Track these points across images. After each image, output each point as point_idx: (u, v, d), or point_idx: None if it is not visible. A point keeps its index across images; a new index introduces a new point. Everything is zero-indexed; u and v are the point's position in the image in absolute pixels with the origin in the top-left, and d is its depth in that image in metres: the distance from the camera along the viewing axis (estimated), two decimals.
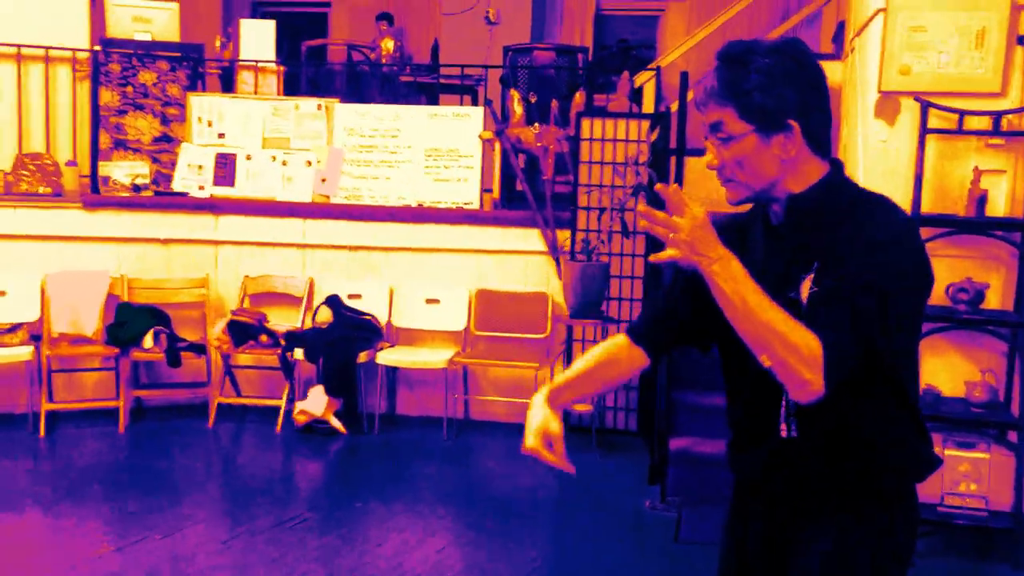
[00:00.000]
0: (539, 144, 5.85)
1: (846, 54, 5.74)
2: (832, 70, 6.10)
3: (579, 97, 5.95)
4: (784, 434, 1.78)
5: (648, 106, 6.96)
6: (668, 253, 1.64)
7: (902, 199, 4.25)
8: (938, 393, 4.15)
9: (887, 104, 4.29)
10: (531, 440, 1.85)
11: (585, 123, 5.83)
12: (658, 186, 1.67)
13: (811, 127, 1.72)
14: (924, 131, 4.15)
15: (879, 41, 4.28)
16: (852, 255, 1.65)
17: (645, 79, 7.15)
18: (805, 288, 1.69)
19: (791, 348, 1.59)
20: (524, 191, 5.97)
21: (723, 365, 1.94)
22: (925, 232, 4.18)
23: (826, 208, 1.73)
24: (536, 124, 5.94)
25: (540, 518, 4.70)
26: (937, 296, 4.23)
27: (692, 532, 4.33)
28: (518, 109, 5.94)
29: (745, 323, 1.62)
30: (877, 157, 4.33)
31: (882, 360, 1.68)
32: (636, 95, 6.95)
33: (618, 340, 1.97)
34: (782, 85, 1.68)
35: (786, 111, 1.69)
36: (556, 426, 1.86)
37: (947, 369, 4.31)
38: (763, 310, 1.60)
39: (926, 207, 4.20)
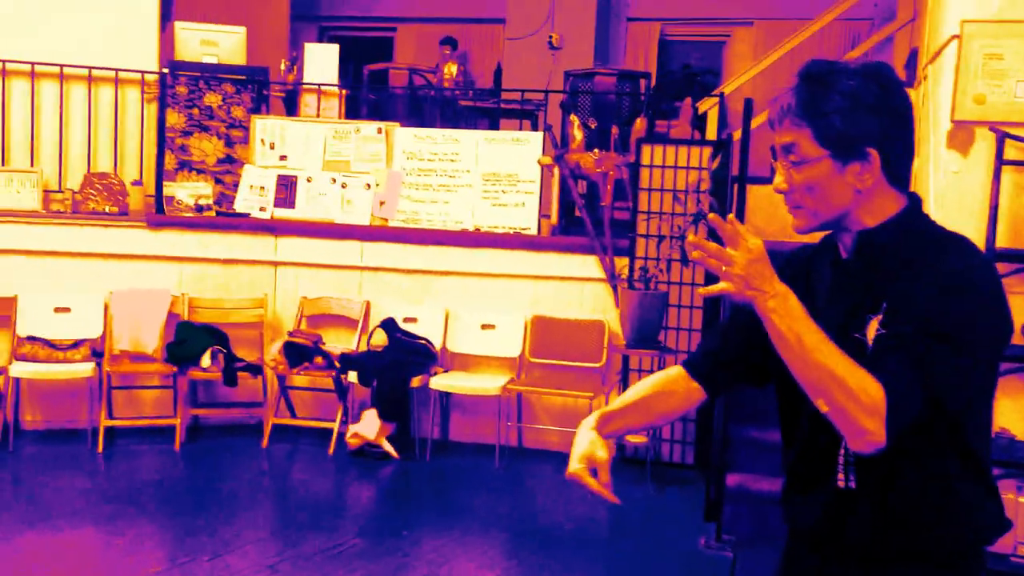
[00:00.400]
0: (598, 170, 5.78)
1: (919, 82, 5.58)
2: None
3: (640, 123, 5.87)
4: (841, 484, 1.67)
5: (711, 133, 6.86)
6: (721, 287, 1.55)
7: (975, 233, 4.08)
8: (1012, 437, 3.95)
9: (960, 134, 4.14)
10: (574, 465, 1.75)
11: (645, 149, 5.75)
12: (711, 216, 1.59)
13: (891, 158, 1.61)
14: (1000, 163, 3.98)
15: (953, 69, 4.13)
16: (924, 299, 1.54)
17: (708, 105, 7.04)
18: (872, 329, 1.58)
19: (850, 394, 1.48)
20: (582, 217, 5.90)
21: (779, 407, 1.84)
22: (1000, 268, 3.99)
23: (900, 246, 1.62)
24: (596, 150, 5.87)
25: (591, 552, 4.59)
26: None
27: (747, 574, 4.18)
28: (578, 134, 5.88)
29: (801, 364, 1.52)
30: (949, 189, 4.17)
31: (950, 412, 1.57)
32: (699, 122, 6.85)
33: (675, 371, 1.88)
34: (865, 111, 1.58)
35: (866, 138, 1.59)
36: (603, 453, 1.76)
37: (1022, 412, 4.10)
38: (821, 352, 1.50)
39: (1001, 242, 4.03)
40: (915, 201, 1.67)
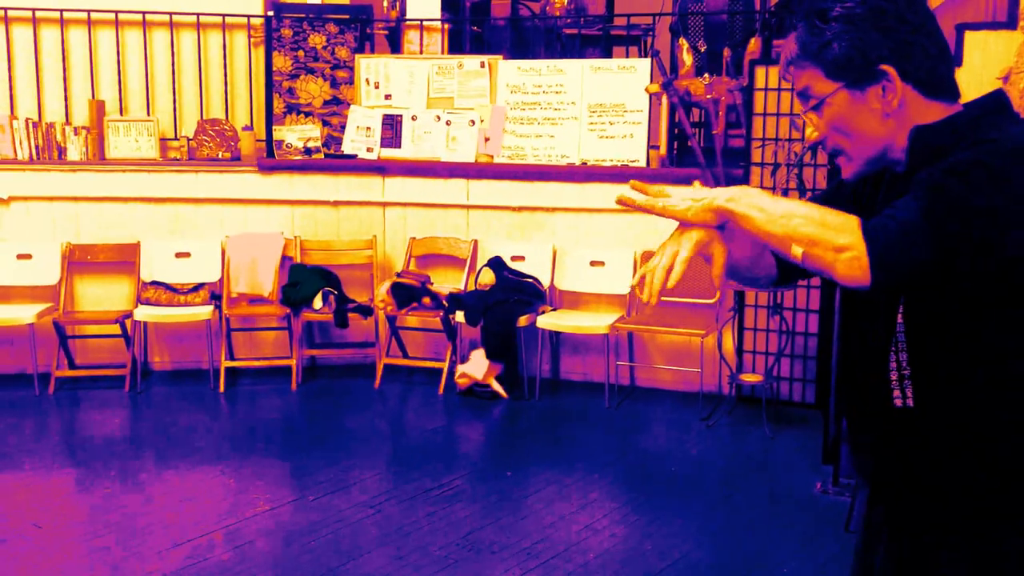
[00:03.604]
0: (709, 96, 5.47)
1: (1022, 23, 4.99)
2: (1007, 40, 5.31)
3: (754, 44, 5.51)
4: (898, 403, 1.46)
5: None
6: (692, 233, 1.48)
7: None
8: None
9: None
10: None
11: (760, 71, 5.39)
12: (624, 196, 1.51)
13: (913, 68, 1.42)
14: None
15: None
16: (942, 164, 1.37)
17: None
18: None
19: (819, 223, 1.33)
20: (693, 147, 5.62)
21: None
22: None
23: (953, 141, 1.41)
24: (706, 75, 5.55)
25: (701, 496, 4.44)
26: None
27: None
28: (687, 59, 5.56)
29: (768, 228, 1.37)
30: None
31: (993, 263, 1.34)
32: None
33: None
34: (865, 28, 1.41)
35: (875, 57, 1.42)
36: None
37: None
38: (783, 207, 1.38)
39: None
40: (985, 102, 1.45)
